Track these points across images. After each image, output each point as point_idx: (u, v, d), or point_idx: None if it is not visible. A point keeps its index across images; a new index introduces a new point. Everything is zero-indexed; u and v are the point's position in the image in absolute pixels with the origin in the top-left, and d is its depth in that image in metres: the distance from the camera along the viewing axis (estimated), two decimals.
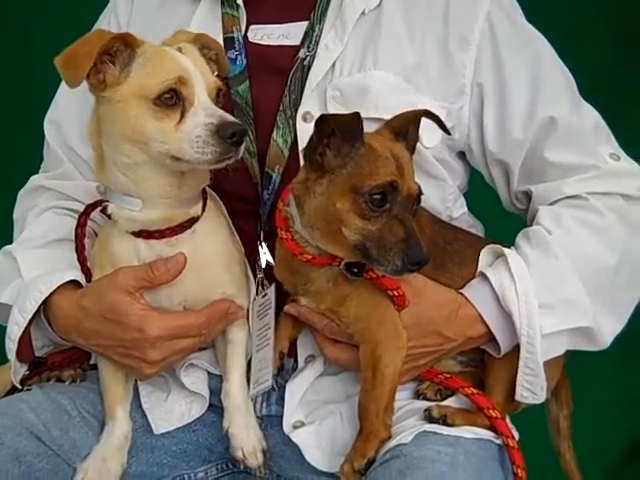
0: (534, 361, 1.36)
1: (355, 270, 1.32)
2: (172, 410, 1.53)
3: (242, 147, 1.29)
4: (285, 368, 1.51)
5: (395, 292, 1.33)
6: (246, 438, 1.46)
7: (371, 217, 1.23)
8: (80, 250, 1.46)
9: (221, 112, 1.29)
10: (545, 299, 1.37)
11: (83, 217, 1.47)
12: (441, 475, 1.23)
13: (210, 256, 1.41)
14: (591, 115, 1.55)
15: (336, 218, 1.25)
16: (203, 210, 1.42)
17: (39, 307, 1.43)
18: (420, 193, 1.27)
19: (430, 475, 1.23)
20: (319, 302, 1.38)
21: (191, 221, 1.39)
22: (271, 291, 1.47)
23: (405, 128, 1.34)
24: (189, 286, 1.40)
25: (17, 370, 1.49)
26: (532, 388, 1.39)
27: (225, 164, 1.30)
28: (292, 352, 1.51)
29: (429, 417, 1.39)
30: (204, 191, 1.42)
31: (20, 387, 1.51)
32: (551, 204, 1.49)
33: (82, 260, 1.47)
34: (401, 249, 1.22)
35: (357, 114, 1.23)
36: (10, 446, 1.37)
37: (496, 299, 1.38)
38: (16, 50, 2.79)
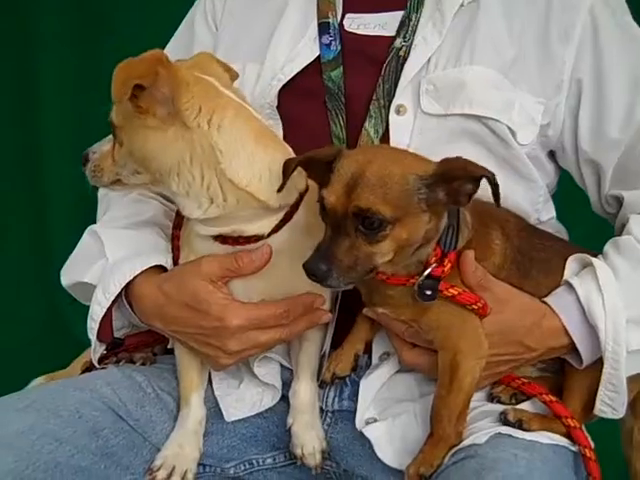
0: (617, 377, 1.40)
1: (428, 293, 1.35)
2: (244, 399, 1.60)
3: None
4: (359, 365, 1.56)
5: (475, 306, 1.37)
6: (307, 438, 1.54)
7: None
8: (176, 261, 1.53)
9: None
10: (633, 314, 1.40)
11: (175, 230, 1.55)
12: (518, 478, 1.27)
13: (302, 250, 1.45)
14: None
15: None
16: None
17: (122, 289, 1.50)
18: (363, 212, 1.25)
19: (507, 477, 1.26)
20: (398, 313, 1.43)
21: None
22: None
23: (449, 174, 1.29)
24: (275, 280, 1.44)
25: (96, 349, 1.57)
26: (613, 404, 1.43)
27: None
28: (366, 349, 1.57)
29: (505, 420, 1.44)
30: None
31: (97, 366, 1.59)
32: None
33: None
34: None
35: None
36: (88, 420, 1.44)
37: (581, 311, 1.42)
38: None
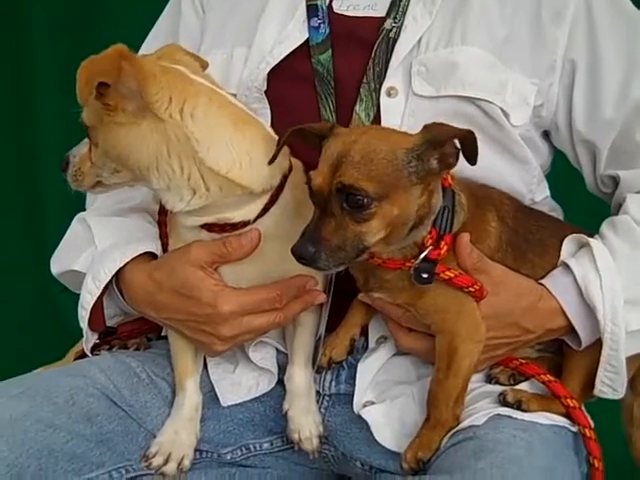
0: (617, 358, 1.40)
1: (425, 276, 1.33)
2: (240, 383, 1.60)
3: None
4: (356, 348, 1.55)
5: (471, 288, 1.36)
6: (304, 422, 1.53)
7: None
8: (165, 248, 1.52)
9: None
10: (631, 294, 1.40)
11: (162, 216, 1.53)
12: (518, 459, 1.26)
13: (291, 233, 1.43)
14: None
15: None
16: None
17: (112, 277, 1.49)
18: (346, 189, 1.23)
19: (506, 459, 1.26)
20: (394, 298, 1.42)
21: None
22: None
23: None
24: (265, 265, 1.43)
25: (88, 338, 1.56)
26: (612, 385, 1.43)
27: None
28: (362, 332, 1.56)
29: (503, 401, 1.43)
30: None
31: (89, 355, 1.58)
32: (639, 192, 1.51)
33: None
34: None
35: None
36: (83, 406, 1.43)
37: (579, 292, 1.41)
38: None
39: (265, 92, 1.58)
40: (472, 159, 1.24)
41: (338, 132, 1.31)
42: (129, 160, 1.34)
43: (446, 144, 1.26)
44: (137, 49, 1.76)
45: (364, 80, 1.53)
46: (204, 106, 1.33)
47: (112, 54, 1.27)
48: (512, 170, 1.54)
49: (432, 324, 1.40)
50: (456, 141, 1.26)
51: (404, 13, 1.54)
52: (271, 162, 1.33)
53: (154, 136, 1.32)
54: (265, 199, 1.39)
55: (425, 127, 1.28)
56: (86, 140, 1.41)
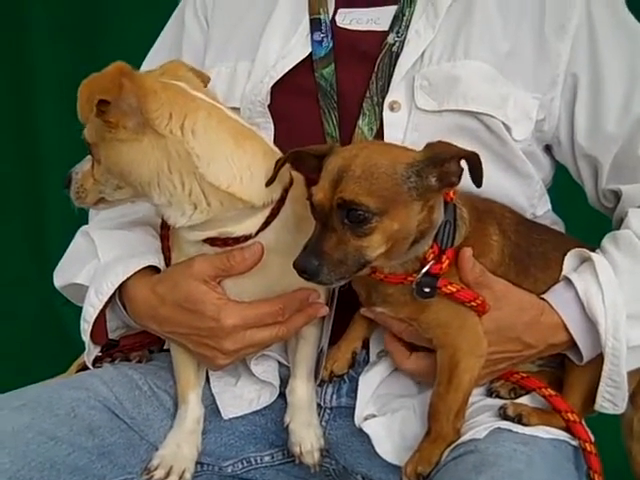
0: (618, 373, 1.40)
1: (427, 290, 1.34)
2: (241, 396, 1.60)
3: None
4: (357, 361, 1.56)
5: (474, 303, 1.37)
6: (305, 436, 1.54)
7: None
8: (168, 262, 1.52)
9: None
10: (633, 309, 1.40)
11: (164, 230, 1.53)
12: (518, 473, 1.26)
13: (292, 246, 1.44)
14: None
15: None
16: None
17: (115, 290, 1.49)
18: (347, 204, 1.23)
19: (506, 473, 1.26)
20: (397, 312, 1.42)
21: None
22: None
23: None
24: (267, 279, 1.44)
25: (90, 351, 1.57)
26: (613, 400, 1.43)
27: None
28: (364, 345, 1.57)
29: (504, 415, 1.44)
30: None
31: (91, 368, 1.59)
32: None
33: None
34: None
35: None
36: (85, 419, 1.44)
37: (581, 306, 1.41)
38: None
39: (268, 106, 1.59)
40: (477, 181, 1.25)
41: (339, 150, 1.32)
42: (131, 176, 1.35)
43: (446, 163, 1.26)
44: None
45: (367, 94, 1.54)
46: (204, 121, 1.34)
47: (112, 71, 1.28)
48: (514, 184, 1.55)
49: (434, 338, 1.40)
50: (463, 161, 1.26)
51: (407, 27, 1.55)
52: (269, 183, 1.34)
53: (155, 152, 1.32)
54: (266, 213, 1.40)
55: (428, 145, 1.29)
56: (88, 157, 1.42)
